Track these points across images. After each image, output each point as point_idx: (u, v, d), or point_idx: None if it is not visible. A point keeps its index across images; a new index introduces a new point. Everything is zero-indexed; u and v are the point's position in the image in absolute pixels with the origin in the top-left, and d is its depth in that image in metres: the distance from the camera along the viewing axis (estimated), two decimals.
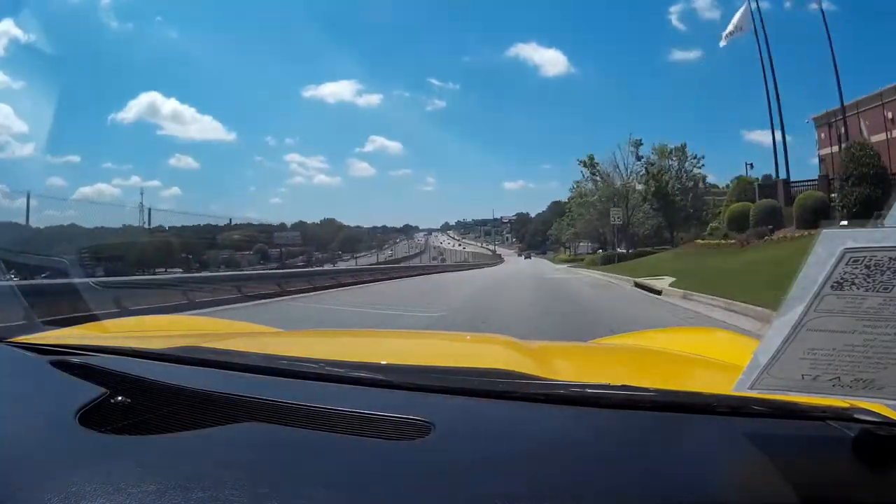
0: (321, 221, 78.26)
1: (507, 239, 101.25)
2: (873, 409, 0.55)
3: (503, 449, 0.60)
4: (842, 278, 0.39)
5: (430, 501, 0.50)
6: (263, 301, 9.82)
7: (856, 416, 0.56)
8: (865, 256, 0.37)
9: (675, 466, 0.57)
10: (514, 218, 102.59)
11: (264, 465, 0.55)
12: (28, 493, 0.50)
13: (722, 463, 0.58)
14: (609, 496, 0.51)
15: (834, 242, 0.38)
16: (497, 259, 56.99)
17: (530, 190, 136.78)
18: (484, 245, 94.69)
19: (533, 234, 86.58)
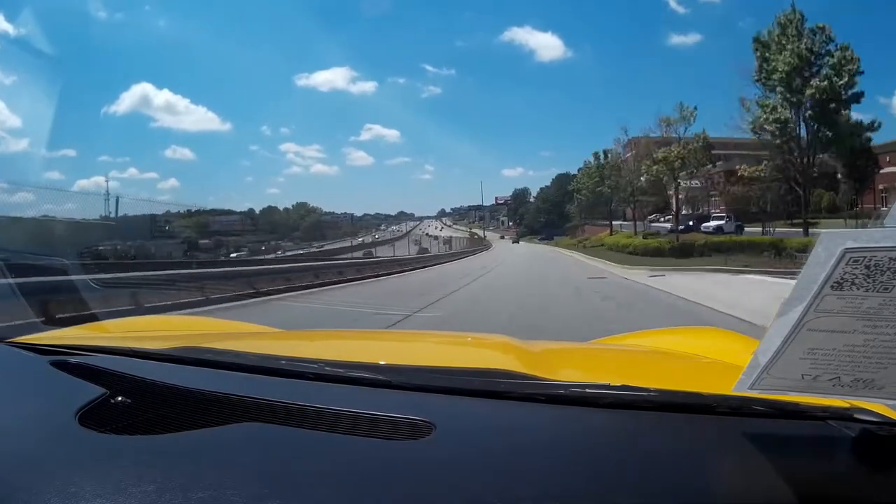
0: (293, 206, 76.26)
1: (503, 223, 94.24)
2: (873, 409, 0.55)
3: (503, 449, 0.60)
4: (842, 278, 0.39)
5: (430, 501, 0.50)
6: None
7: (856, 416, 0.56)
8: (865, 256, 0.37)
9: (675, 466, 0.57)
10: (511, 199, 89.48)
11: (264, 465, 0.55)
12: (28, 493, 0.50)
13: (722, 463, 0.58)
14: (609, 496, 0.51)
15: (834, 243, 0.38)
16: (477, 247, 44.17)
17: (529, 177, 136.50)
18: (471, 229, 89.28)
19: (535, 214, 76.49)
